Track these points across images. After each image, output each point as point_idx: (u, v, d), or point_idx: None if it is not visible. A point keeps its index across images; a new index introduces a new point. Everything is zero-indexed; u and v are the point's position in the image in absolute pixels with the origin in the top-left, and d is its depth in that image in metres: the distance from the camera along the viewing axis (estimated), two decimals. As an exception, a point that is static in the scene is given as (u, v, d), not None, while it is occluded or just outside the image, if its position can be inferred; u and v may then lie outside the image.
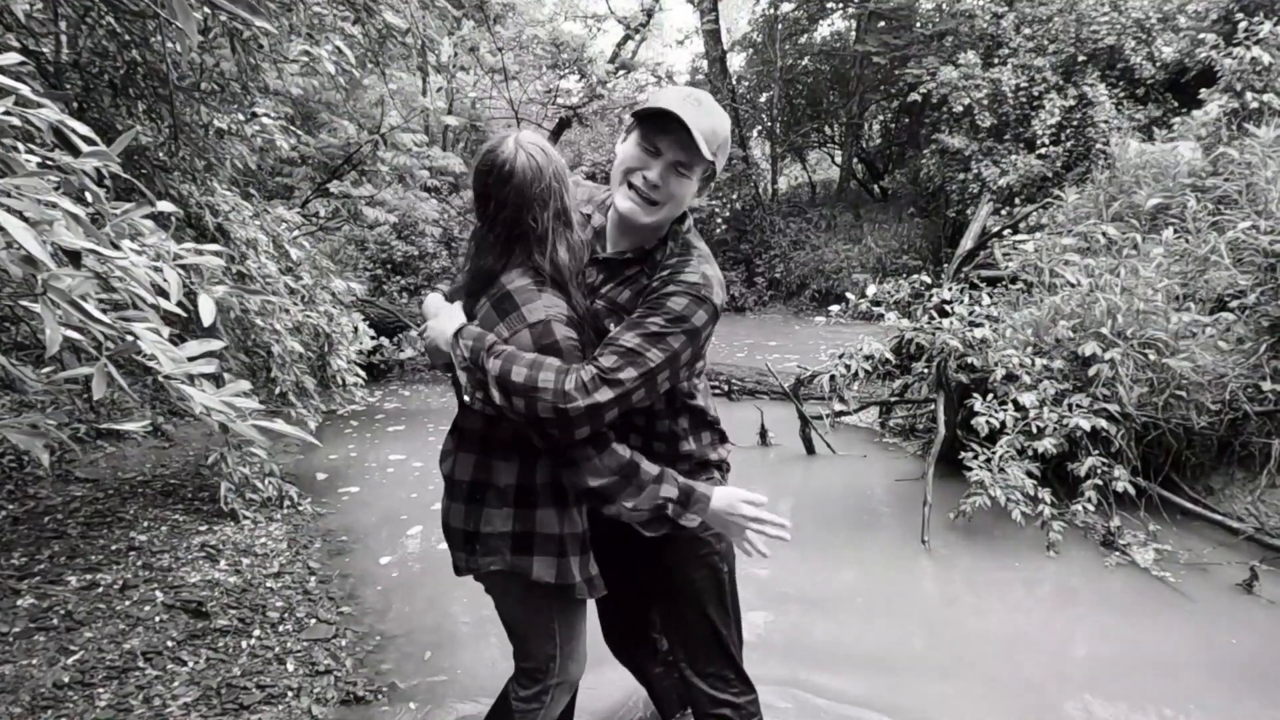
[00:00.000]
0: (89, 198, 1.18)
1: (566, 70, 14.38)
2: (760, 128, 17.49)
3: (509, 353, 1.55)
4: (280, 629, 3.12)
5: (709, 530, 1.89)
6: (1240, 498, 4.02)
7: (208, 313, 1.44)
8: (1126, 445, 4.05)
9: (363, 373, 5.05)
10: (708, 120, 1.54)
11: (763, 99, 17.25)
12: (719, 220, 14.35)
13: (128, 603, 3.15)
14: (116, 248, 1.15)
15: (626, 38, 15.79)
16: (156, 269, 1.21)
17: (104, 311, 1.09)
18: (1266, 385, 3.94)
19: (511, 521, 1.68)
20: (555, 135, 15.01)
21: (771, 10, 16.25)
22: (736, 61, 17.62)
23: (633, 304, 1.65)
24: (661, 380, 1.59)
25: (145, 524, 3.95)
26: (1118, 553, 3.78)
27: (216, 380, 1.38)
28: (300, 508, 4.39)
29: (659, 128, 1.54)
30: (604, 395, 1.51)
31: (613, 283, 1.70)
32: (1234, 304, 4.30)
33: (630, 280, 1.69)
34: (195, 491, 4.50)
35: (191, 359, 1.17)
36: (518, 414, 1.54)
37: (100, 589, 3.24)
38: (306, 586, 3.53)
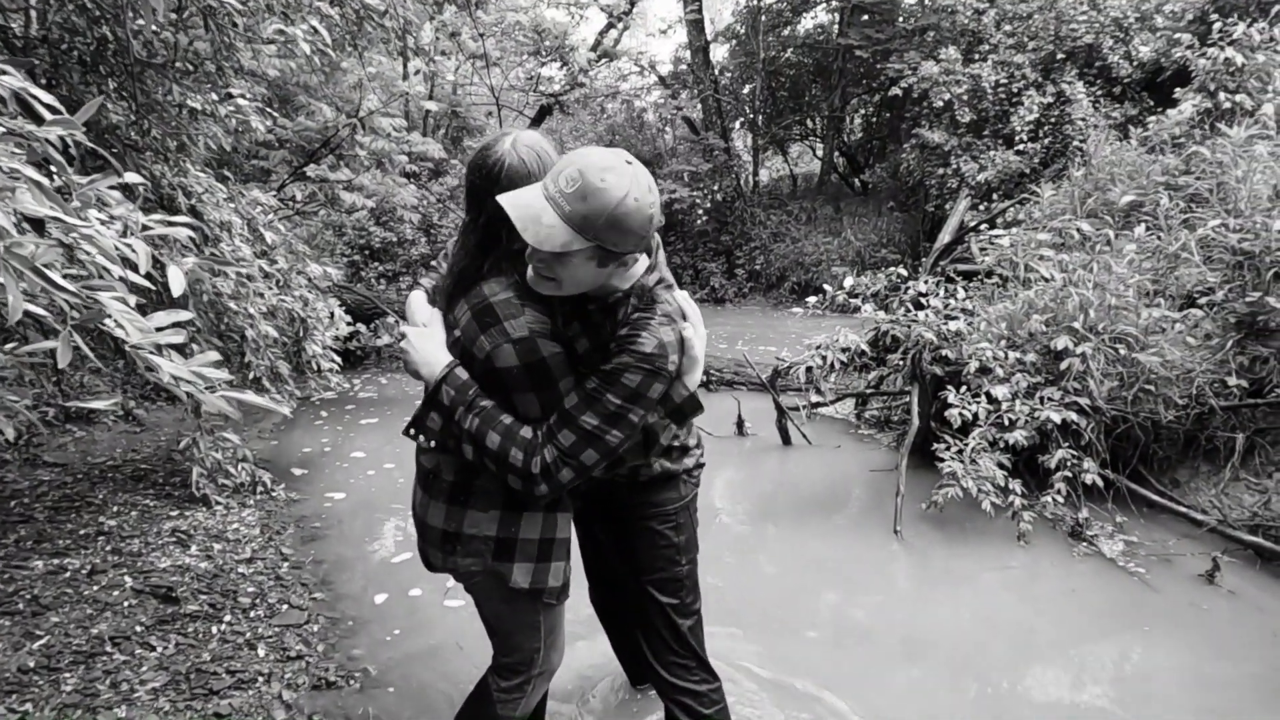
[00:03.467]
0: (54, 168, 1.16)
1: (548, 58, 14.32)
2: (742, 119, 17.50)
3: (486, 412, 1.54)
4: (252, 614, 3.10)
5: (667, 523, 1.91)
6: (1205, 490, 4.10)
7: (177, 283, 1.41)
8: (1096, 438, 4.11)
9: (338, 358, 5.00)
10: (580, 205, 1.39)
11: (745, 91, 17.24)
12: (700, 211, 14.36)
13: (96, 588, 3.11)
14: (82, 218, 1.12)
15: (609, 26, 15.74)
16: (125, 241, 1.19)
17: (69, 281, 1.07)
18: (1232, 380, 4.02)
19: (496, 525, 1.65)
20: (536, 123, 14.96)
21: (755, 2, 16.24)
22: (720, 52, 17.60)
23: (590, 357, 1.59)
24: (623, 450, 1.59)
25: (115, 509, 3.90)
26: (1085, 543, 3.84)
27: (183, 351, 1.36)
28: (273, 494, 4.35)
29: None
30: (567, 475, 1.53)
31: (576, 321, 1.62)
32: (1203, 300, 4.38)
33: (592, 328, 1.61)
34: (166, 477, 4.45)
35: (160, 329, 1.15)
36: (484, 467, 1.57)
37: (68, 574, 3.19)
38: (279, 572, 3.50)
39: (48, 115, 1.16)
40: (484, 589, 1.75)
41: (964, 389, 4.30)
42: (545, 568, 1.70)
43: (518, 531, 1.66)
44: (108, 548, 3.47)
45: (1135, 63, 10.17)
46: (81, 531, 3.60)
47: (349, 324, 6.07)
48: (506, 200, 1.41)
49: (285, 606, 3.19)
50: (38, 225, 1.06)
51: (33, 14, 3.32)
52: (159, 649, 2.76)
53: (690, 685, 1.96)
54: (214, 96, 3.98)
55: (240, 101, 4.06)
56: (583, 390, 1.53)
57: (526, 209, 1.41)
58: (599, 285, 1.55)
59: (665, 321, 1.57)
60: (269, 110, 4.83)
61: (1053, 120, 10.68)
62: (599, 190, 1.39)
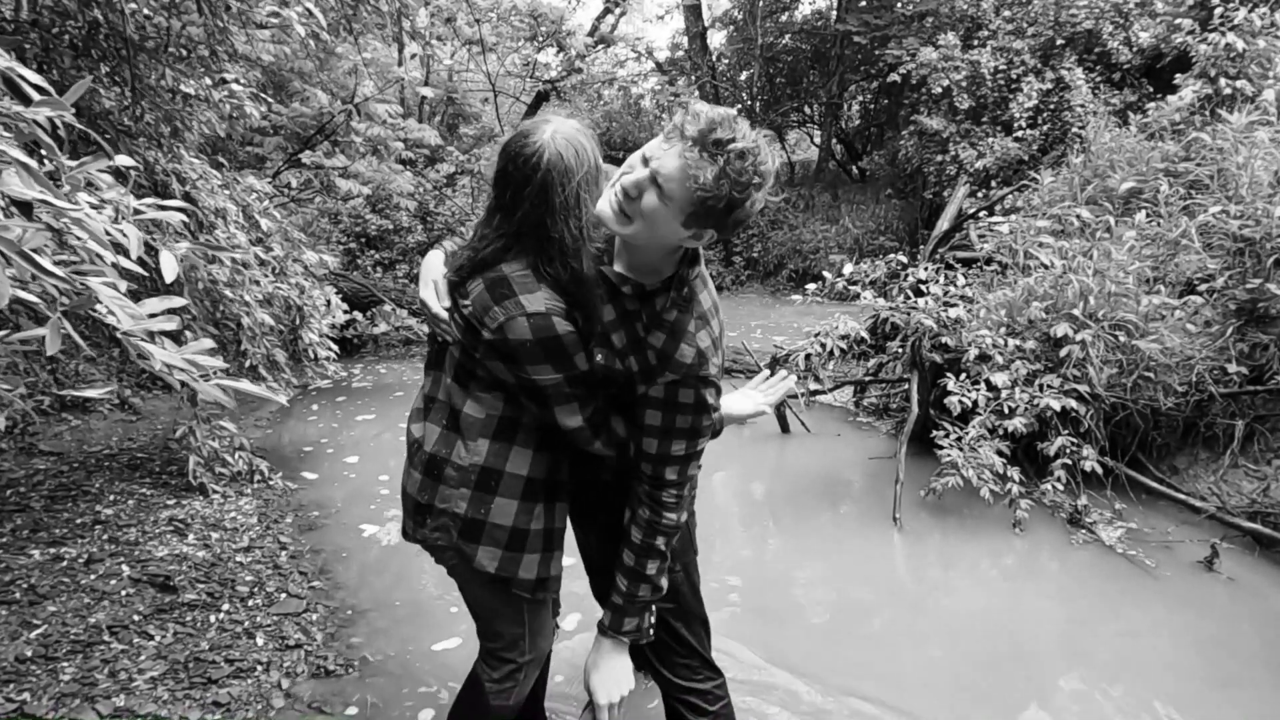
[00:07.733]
0: (43, 151, 1.13)
1: (545, 43, 14.21)
2: (740, 106, 17.39)
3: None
4: (250, 603, 3.09)
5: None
6: (1204, 477, 4.10)
7: (169, 268, 1.38)
8: (1095, 425, 4.11)
9: (335, 346, 4.98)
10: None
11: (743, 77, 17.14)
12: (697, 199, 14.29)
13: (93, 577, 3.10)
14: (72, 201, 1.10)
15: (606, 11, 15.63)
16: (116, 226, 1.16)
17: (59, 267, 1.05)
18: (1232, 367, 4.01)
19: (466, 505, 1.63)
20: (533, 109, 14.86)
21: (753, -13, 16.11)
22: (717, 39, 17.50)
23: (625, 351, 1.55)
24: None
25: (111, 498, 3.88)
26: (1084, 531, 3.85)
27: (178, 339, 1.33)
28: (271, 482, 4.33)
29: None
30: (685, 490, 1.64)
31: (610, 305, 1.57)
32: (1203, 287, 4.36)
33: (625, 319, 1.56)
34: (163, 465, 4.43)
35: (152, 315, 1.13)
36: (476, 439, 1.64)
37: (64, 563, 3.18)
38: (277, 561, 3.49)
39: (36, 96, 1.14)
40: (462, 572, 1.73)
41: (963, 376, 4.29)
42: (515, 558, 1.66)
43: (488, 515, 1.63)
44: (104, 536, 3.46)
45: (1135, 49, 10.10)
46: (78, 520, 3.58)
47: (345, 312, 6.06)
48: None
49: (283, 595, 3.19)
50: (25, 209, 1.03)
51: (22, -3, 3.26)
52: (157, 638, 2.75)
53: (694, 684, 1.93)
54: (208, 81, 3.94)
55: (234, 87, 4.02)
56: (652, 429, 1.57)
57: None
58: (661, 248, 1.48)
59: (700, 325, 1.53)
60: (263, 96, 4.78)
61: (1052, 107, 10.63)
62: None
